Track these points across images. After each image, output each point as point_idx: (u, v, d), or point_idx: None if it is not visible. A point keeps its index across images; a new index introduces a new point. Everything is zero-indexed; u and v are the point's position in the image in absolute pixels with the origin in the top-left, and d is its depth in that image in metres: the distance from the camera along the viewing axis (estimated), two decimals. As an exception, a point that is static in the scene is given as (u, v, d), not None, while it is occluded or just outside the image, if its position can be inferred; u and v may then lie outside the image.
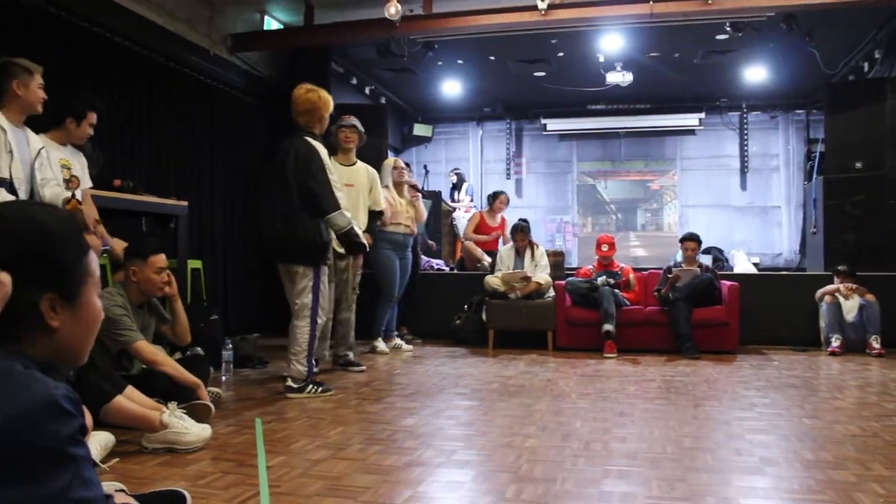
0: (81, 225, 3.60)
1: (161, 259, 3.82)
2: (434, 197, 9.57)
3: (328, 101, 4.61)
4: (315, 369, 4.55)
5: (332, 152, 5.39)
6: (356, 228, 4.52)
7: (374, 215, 5.85)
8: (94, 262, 1.26)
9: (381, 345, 6.57)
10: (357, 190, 5.61)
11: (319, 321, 4.49)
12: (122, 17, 6.12)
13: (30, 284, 1.15)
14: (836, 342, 6.59)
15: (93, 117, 4.26)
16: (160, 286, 3.82)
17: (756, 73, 9.70)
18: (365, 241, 4.66)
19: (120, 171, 5.69)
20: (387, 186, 6.51)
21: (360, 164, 5.85)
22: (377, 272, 6.49)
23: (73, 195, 3.94)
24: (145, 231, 5.52)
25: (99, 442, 2.86)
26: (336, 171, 4.95)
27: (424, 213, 7.08)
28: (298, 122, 4.56)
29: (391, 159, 7.12)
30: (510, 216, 8.58)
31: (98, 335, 1.33)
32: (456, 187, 10.37)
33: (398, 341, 6.83)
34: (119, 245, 4.38)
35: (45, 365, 1.17)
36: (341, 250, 5.09)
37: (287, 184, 4.38)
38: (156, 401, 3.24)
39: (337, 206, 4.37)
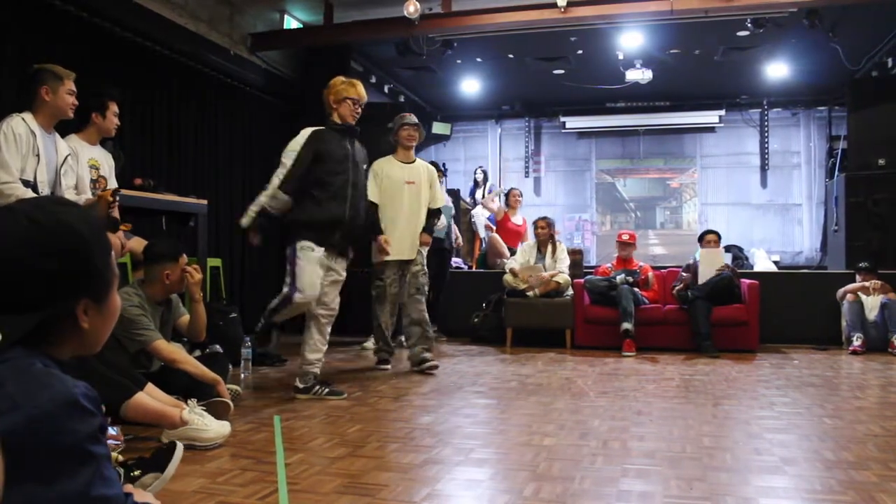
0: (103, 222, 3.65)
1: (185, 257, 3.88)
2: (453, 195, 9.57)
3: (332, 84, 4.53)
4: (316, 370, 4.44)
5: (391, 151, 5.66)
6: (256, 207, 4.28)
7: (432, 213, 5.65)
8: (115, 258, 1.28)
9: (370, 343, 6.60)
10: (418, 187, 5.52)
11: (296, 298, 4.29)
12: (145, 18, 6.18)
13: (68, 293, 1.16)
14: (857, 341, 6.53)
15: (114, 106, 4.33)
16: (188, 272, 3.85)
17: (777, 70, 9.61)
18: (246, 221, 4.31)
19: (140, 169, 5.75)
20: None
21: (419, 161, 5.77)
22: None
23: (111, 191, 4.01)
24: (165, 229, 5.57)
25: None
26: (396, 170, 5.48)
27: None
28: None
29: None
30: (529, 215, 8.57)
31: (117, 335, 1.35)
32: (478, 185, 10.35)
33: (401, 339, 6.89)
34: (139, 244, 4.42)
35: (62, 361, 1.19)
36: (408, 256, 5.42)
37: None
38: (175, 398, 3.27)
39: (270, 188, 4.28)
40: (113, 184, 4.46)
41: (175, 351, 3.74)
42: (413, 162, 5.66)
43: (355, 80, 4.61)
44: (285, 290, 4.34)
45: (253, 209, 4.29)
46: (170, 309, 3.97)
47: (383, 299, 5.54)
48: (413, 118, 5.67)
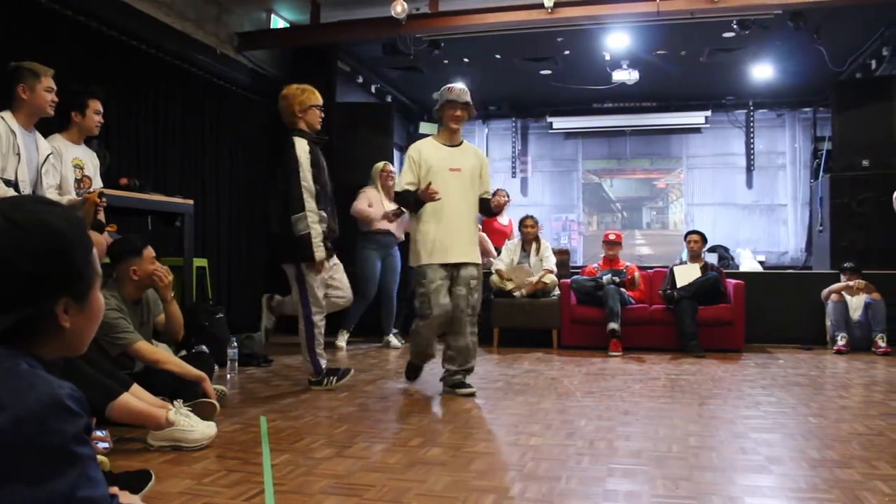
0: (85, 220, 3.62)
1: (151, 249, 3.84)
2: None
3: (293, 94, 4.54)
4: (323, 363, 4.58)
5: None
6: (315, 238, 4.34)
7: (485, 203, 4.79)
8: (97, 257, 1.27)
9: (340, 340, 6.75)
10: (465, 175, 4.54)
11: (315, 318, 4.50)
12: (131, 16, 6.14)
13: (47, 292, 1.16)
14: (841, 340, 6.58)
15: (96, 104, 4.29)
16: (158, 275, 3.83)
17: (763, 71, 9.66)
18: (321, 254, 4.39)
19: (126, 169, 5.72)
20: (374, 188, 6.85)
21: (467, 144, 4.79)
22: (357, 270, 6.59)
23: (98, 193, 3.98)
24: (151, 229, 5.54)
25: None
26: (438, 155, 4.54)
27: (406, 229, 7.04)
28: (284, 124, 4.60)
29: (381, 163, 7.20)
30: (515, 215, 8.58)
31: (97, 340, 1.35)
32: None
33: (391, 338, 6.97)
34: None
35: (46, 361, 1.18)
36: (458, 259, 4.46)
37: (276, 185, 4.47)
38: (161, 399, 3.25)
39: (300, 209, 4.33)
40: (98, 183, 4.43)
41: (156, 351, 3.72)
42: (460, 144, 4.68)
43: (308, 85, 4.65)
44: (301, 315, 4.49)
45: (318, 241, 4.37)
46: (148, 309, 3.95)
47: (428, 311, 4.43)
48: (461, 94, 4.60)
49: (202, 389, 3.62)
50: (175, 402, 3.17)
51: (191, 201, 5.57)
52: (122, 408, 2.99)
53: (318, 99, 4.60)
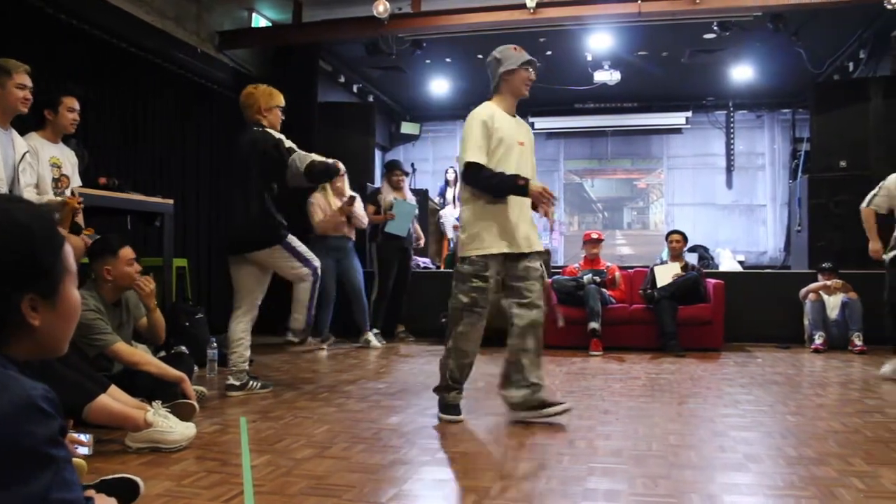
0: (59, 220, 3.59)
1: (130, 250, 3.81)
2: (421, 195, 9.57)
3: (257, 93, 4.59)
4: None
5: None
6: (317, 157, 4.41)
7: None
8: (70, 254, 1.25)
9: (313, 340, 6.78)
10: (527, 150, 3.86)
11: (319, 272, 4.59)
12: (110, 14, 6.10)
13: (12, 287, 1.15)
14: (819, 339, 6.65)
15: (70, 102, 4.23)
16: (135, 277, 3.81)
17: (743, 73, 9.75)
18: (330, 162, 4.41)
19: (105, 168, 5.67)
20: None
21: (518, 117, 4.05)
22: None
23: (74, 194, 3.94)
24: (130, 229, 5.50)
25: None
26: (508, 124, 3.80)
27: (363, 219, 7.03)
28: (246, 118, 4.62)
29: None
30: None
31: (75, 341, 1.33)
32: (449, 184, 10.34)
33: (371, 337, 6.96)
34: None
35: (21, 362, 1.17)
36: (521, 248, 3.74)
37: (246, 174, 4.46)
38: (140, 400, 3.22)
39: (296, 153, 4.39)
40: (77, 183, 4.39)
41: (135, 352, 3.69)
42: (515, 116, 3.95)
43: (273, 87, 4.69)
44: (307, 276, 4.49)
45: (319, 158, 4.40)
46: (128, 310, 3.93)
47: (477, 311, 3.75)
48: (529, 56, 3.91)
49: (181, 390, 3.59)
50: (154, 404, 3.15)
51: (170, 201, 5.54)
52: (99, 409, 2.97)
53: (283, 101, 4.66)
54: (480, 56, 9.11)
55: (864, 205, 5.36)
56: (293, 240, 4.54)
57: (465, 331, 3.76)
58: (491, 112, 3.76)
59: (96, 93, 5.89)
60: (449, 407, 3.79)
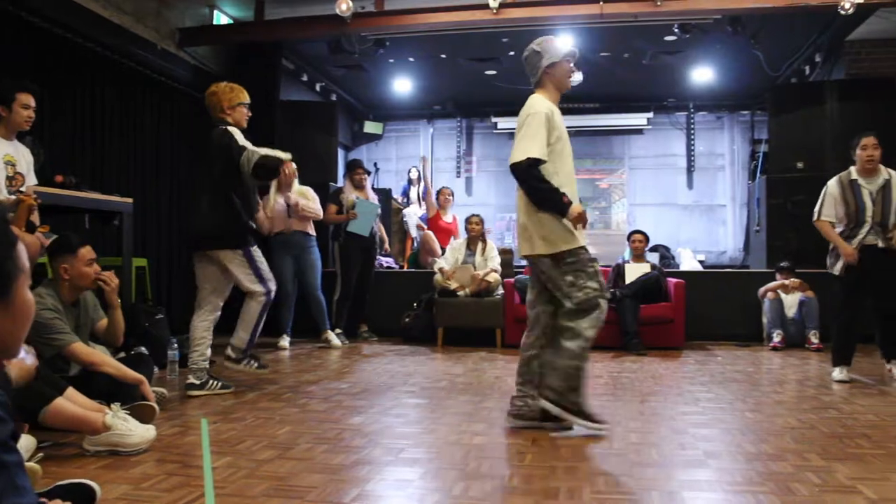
0: (13, 219, 3.52)
1: (90, 250, 3.75)
2: (384, 195, 9.54)
3: (222, 91, 4.57)
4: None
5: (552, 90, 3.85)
6: (270, 152, 4.42)
7: None
8: (23, 253, 1.22)
9: (283, 341, 6.83)
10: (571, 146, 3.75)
11: (272, 294, 4.59)
12: (65, 9, 5.97)
13: None
14: (777, 337, 6.78)
15: (25, 98, 4.14)
16: (93, 278, 3.75)
17: (703, 74, 9.88)
18: (282, 155, 4.46)
19: (62, 166, 5.56)
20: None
21: None
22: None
23: (29, 194, 3.86)
24: (88, 228, 5.41)
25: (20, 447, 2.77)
26: (561, 119, 3.71)
27: (312, 213, 6.91)
28: (212, 117, 4.61)
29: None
30: (460, 215, 8.61)
31: (30, 340, 1.30)
32: (412, 183, 10.32)
33: (331, 336, 6.98)
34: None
35: None
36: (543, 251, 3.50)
37: (209, 175, 4.44)
38: (98, 402, 3.16)
39: (246, 150, 4.36)
40: (32, 181, 4.30)
41: (93, 353, 3.62)
42: None
43: (237, 84, 4.68)
44: (260, 295, 4.49)
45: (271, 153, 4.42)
46: (86, 311, 3.86)
47: (597, 304, 3.51)
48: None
49: (141, 392, 3.54)
50: (112, 406, 3.09)
51: (130, 200, 5.45)
52: (56, 413, 2.91)
53: (247, 97, 4.64)
54: (444, 56, 9.18)
55: (815, 218, 5.09)
56: (257, 253, 4.54)
57: (586, 337, 3.50)
58: (550, 106, 3.64)
59: (52, 89, 5.77)
60: (592, 415, 3.44)
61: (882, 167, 4.90)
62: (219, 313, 4.60)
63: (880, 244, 4.81)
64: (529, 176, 3.47)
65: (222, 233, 4.43)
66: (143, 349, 4.75)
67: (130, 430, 3.00)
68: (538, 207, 3.50)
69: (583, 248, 3.51)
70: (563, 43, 3.77)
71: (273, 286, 4.59)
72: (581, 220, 3.45)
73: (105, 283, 3.80)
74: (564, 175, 3.55)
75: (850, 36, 8.01)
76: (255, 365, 4.64)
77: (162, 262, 7.28)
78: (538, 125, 3.52)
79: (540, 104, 3.63)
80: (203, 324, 4.52)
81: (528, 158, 3.44)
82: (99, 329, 3.96)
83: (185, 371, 4.73)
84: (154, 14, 7.22)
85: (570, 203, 3.43)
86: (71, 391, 3.06)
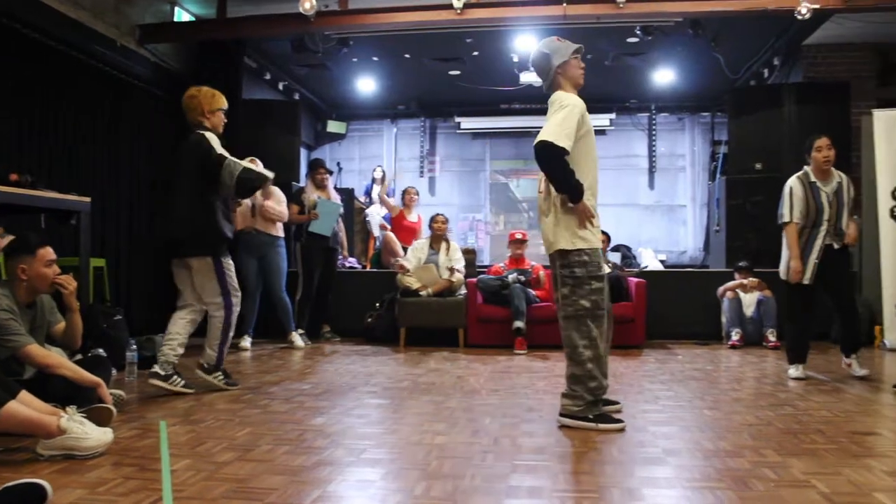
0: None
1: (50, 251, 3.66)
2: (346, 195, 9.51)
3: (202, 95, 4.58)
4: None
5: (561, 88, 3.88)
6: (250, 166, 4.52)
7: None
8: None
9: (244, 342, 6.79)
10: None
11: (237, 309, 4.59)
12: (20, 2, 5.84)
13: None
14: (736, 336, 6.90)
15: None
16: (52, 280, 3.67)
17: (664, 76, 10.01)
18: (267, 174, 4.58)
19: (17, 164, 5.44)
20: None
21: None
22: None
23: None
24: (44, 228, 5.30)
25: None
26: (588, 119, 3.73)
27: (276, 214, 6.92)
28: (189, 121, 4.60)
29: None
30: (423, 214, 8.61)
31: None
32: (375, 182, 10.27)
33: (295, 337, 6.96)
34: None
35: None
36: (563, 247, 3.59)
37: (185, 179, 4.43)
38: (53, 405, 3.09)
39: (227, 161, 4.38)
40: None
41: (48, 355, 3.53)
42: None
43: (216, 90, 4.70)
44: (220, 307, 4.49)
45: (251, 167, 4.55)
46: (42, 313, 3.78)
47: (600, 312, 3.62)
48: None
49: (98, 395, 3.47)
50: (68, 409, 3.03)
51: (87, 199, 5.35)
52: (9, 416, 2.83)
53: (226, 103, 4.66)
54: (407, 56, 9.17)
55: (785, 220, 4.98)
56: (228, 265, 4.53)
57: (595, 341, 3.62)
58: (582, 102, 3.68)
59: (6, 85, 5.65)
60: (606, 415, 3.57)
61: (833, 169, 4.99)
62: (199, 316, 4.58)
63: (836, 245, 4.91)
64: (555, 162, 3.52)
65: (198, 239, 4.41)
66: (100, 351, 4.68)
67: (87, 433, 2.95)
68: (556, 188, 3.58)
69: (595, 251, 3.58)
70: (567, 42, 3.85)
71: (237, 300, 4.57)
72: (585, 216, 3.56)
73: (63, 286, 3.73)
74: (591, 176, 3.66)
75: (806, 40, 8.18)
76: (224, 380, 4.61)
77: (121, 262, 7.16)
78: (572, 118, 3.58)
79: (574, 98, 3.70)
80: (182, 320, 4.51)
81: (560, 147, 3.49)
82: (56, 332, 3.88)
83: (144, 373, 4.67)
84: (113, 10, 7.10)
85: (582, 195, 3.52)
86: (25, 394, 2.99)
